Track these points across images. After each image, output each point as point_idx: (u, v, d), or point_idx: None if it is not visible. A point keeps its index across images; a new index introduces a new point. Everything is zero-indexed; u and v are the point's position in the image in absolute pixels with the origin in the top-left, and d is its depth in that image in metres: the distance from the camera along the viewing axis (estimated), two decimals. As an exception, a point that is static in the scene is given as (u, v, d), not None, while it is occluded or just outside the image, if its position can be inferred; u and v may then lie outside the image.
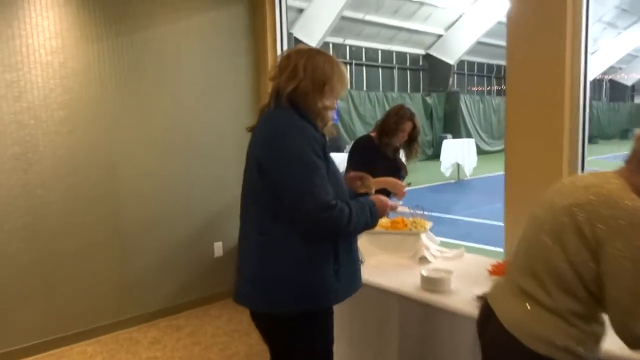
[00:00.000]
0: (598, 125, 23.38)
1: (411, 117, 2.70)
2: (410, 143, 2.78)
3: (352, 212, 1.32)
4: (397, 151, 2.85)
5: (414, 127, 2.70)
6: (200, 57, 3.11)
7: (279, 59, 1.48)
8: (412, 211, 2.21)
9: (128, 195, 2.82)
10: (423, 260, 2.01)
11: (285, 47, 3.37)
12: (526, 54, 2.04)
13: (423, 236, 2.09)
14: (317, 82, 1.40)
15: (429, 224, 2.14)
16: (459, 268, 1.85)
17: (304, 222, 1.29)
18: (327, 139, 1.44)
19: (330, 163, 1.38)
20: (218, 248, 3.27)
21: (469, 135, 15.29)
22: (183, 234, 3.08)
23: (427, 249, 2.06)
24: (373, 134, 2.82)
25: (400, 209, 1.70)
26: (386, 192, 2.81)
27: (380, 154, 2.76)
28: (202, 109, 3.13)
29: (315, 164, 1.29)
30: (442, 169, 9.99)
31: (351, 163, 2.79)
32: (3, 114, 2.40)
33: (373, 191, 1.63)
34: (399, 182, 2.70)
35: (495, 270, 1.77)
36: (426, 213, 2.21)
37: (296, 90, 1.38)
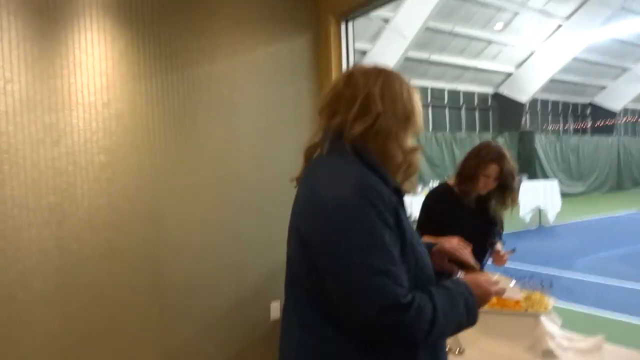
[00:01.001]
0: None
1: (497, 158, 2.14)
2: (502, 191, 2.23)
3: (436, 311, 0.89)
4: (487, 201, 2.31)
5: (501, 171, 2.14)
6: (257, 96, 2.79)
7: (335, 83, 1.08)
8: (525, 287, 1.66)
9: (173, 250, 2.48)
10: (547, 354, 1.44)
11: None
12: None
13: (544, 318, 1.53)
14: (399, 117, 1.02)
15: (550, 301, 1.58)
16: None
17: (361, 328, 0.88)
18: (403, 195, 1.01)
19: (406, 232, 0.95)
20: (275, 309, 2.83)
21: (545, 177, 14.22)
22: (235, 294, 2.67)
23: (552, 337, 1.50)
24: (451, 182, 2.30)
25: (509, 292, 1.20)
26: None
27: (463, 206, 2.23)
28: (259, 155, 2.77)
29: (382, 240, 0.88)
30: (522, 213, 9.07)
31: (424, 221, 2.28)
32: (40, 160, 2.15)
33: (478, 267, 1.15)
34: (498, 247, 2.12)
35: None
36: (544, 286, 1.65)
37: (370, 130, 0.99)
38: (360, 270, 0.85)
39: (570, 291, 4.94)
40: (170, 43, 2.49)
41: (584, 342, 1.52)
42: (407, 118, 1.03)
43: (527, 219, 9.15)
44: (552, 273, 5.81)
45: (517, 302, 1.61)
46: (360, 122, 0.99)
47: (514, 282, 1.27)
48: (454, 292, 0.95)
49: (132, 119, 2.38)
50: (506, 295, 1.11)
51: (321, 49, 2.99)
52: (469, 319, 0.95)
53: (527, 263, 6.02)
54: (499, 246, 2.24)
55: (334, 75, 2.93)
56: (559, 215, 9.57)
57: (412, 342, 0.90)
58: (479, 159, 2.18)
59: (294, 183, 1.11)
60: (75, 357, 2.21)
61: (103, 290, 2.27)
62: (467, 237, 2.26)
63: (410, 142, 1.04)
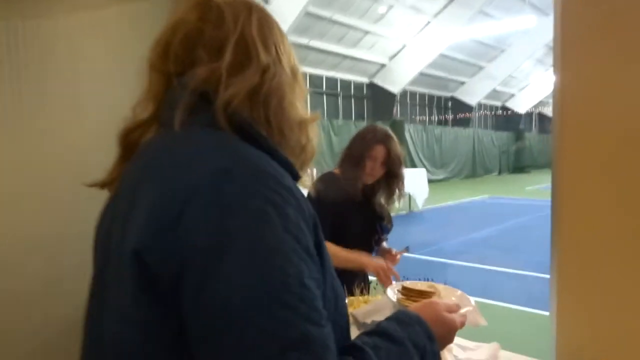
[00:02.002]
0: (530, 155, 24.36)
1: (384, 139, 1.95)
2: (390, 180, 2.06)
3: None
4: (373, 193, 2.13)
5: (388, 153, 1.95)
6: (109, 69, 2.28)
7: (182, 16, 0.70)
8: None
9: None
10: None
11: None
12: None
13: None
14: (288, 73, 0.71)
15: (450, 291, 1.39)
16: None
17: None
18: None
19: (325, 258, 0.62)
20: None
21: (413, 164, 15.17)
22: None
23: (449, 350, 1.34)
24: (337, 172, 2.07)
25: (471, 315, 1.00)
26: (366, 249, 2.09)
27: (350, 199, 2.00)
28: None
29: (298, 275, 0.53)
30: (393, 200, 9.49)
31: (320, 219, 2.03)
32: None
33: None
34: (388, 271, 1.91)
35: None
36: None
37: (257, 91, 0.65)
38: (260, 333, 0.49)
39: (447, 278, 5.16)
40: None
41: (480, 351, 1.41)
42: (294, 75, 0.72)
43: (399, 204, 9.59)
44: (426, 258, 6.07)
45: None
46: (240, 77, 0.64)
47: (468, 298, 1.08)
48: (405, 342, 0.62)
49: None
50: (468, 321, 0.86)
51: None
52: None
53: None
54: (385, 244, 2.09)
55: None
56: (426, 200, 10.20)
57: None
58: (365, 140, 1.99)
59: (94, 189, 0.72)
60: None
61: None
62: (356, 233, 2.07)
63: (303, 109, 0.73)
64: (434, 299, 1.12)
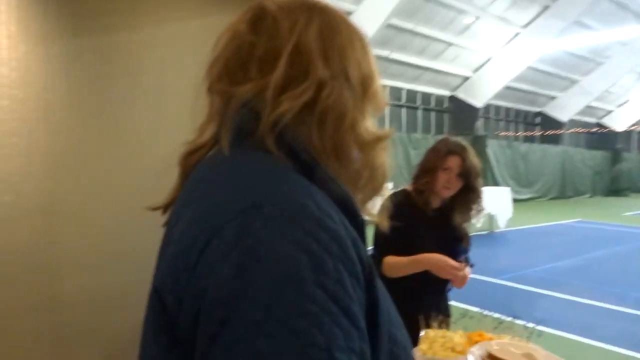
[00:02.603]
0: (629, 177, 22.28)
1: (458, 149, 1.86)
2: (466, 194, 1.93)
3: None
4: (449, 211, 2.00)
5: (464, 163, 1.84)
6: (193, 78, 2.33)
7: (235, 29, 0.63)
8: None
9: (73, 257, 1.99)
10: None
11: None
12: None
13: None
14: (354, 86, 0.60)
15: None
16: None
17: None
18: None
19: (381, 313, 0.51)
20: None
21: (496, 182, 14.46)
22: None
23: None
24: (410, 188, 1.98)
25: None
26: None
27: (424, 218, 1.92)
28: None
29: (329, 342, 0.42)
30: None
31: (390, 236, 1.94)
32: None
33: None
34: (451, 263, 1.80)
35: None
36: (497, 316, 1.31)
37: (311, 109, 0.57)
38: None
39: (535, 309, 4.73)
40: (81, 1, 1.99)
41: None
42: (364, 88, 0.61)
43: (478, 224, 9.15)
44: (509, 284, 5.68)
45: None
46: (292, 94, 0.56)
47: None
48: None
49: (24, 90, 1.87)
50: None
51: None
52: None
53: (481, 274, 5.87)
54: (465, 267, 1.92)
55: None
56: (509, 221, 9.63)
57: None
58: (438, 152, 1.90)
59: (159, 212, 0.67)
60: None
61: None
62: (431, 251, 1.95)
63: (372, 127, 0.62)
64: None
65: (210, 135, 0.64)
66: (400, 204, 1.87)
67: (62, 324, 1.96)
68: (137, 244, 2.12)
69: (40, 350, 1.91)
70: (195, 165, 0.64)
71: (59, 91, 1.95)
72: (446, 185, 1.87)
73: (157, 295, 0.51)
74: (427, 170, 1.90)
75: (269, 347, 0.41)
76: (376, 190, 0.63)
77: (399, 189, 2.04)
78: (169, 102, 2.26)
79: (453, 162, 1.85)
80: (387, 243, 1.83)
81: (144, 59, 2.17)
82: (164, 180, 2.02)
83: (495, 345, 1.05)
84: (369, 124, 0.62)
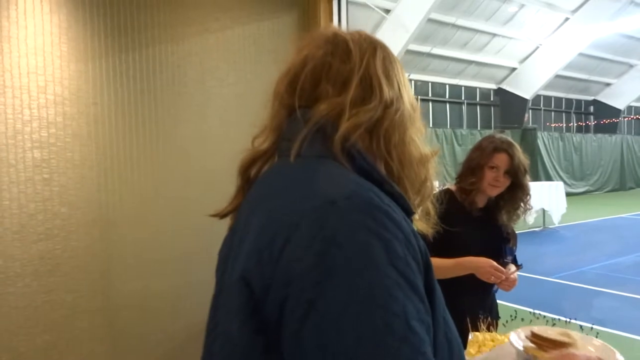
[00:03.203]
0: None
1: (505, 146, 1.81)
2: (513, 192, 1.86)
3: None
4: (496, 210, 1.93)
5: (512, 160, 1.78)
6: (233, 85, 2.38)
7: (310, 49, 0.72)
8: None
9: (126, 265, 2.08)
10: None
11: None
12: None
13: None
14: (408, 108, 0.71)
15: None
16: None
17: None
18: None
19: (438, 303, 0.59)
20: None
21: (548, 176, 13.91)
22: (199, 318, 2.27)
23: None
24: (453, 188, 1.93)
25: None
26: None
27: (469, 218, 1.86)
28: (234, 154, 2.37)
29: (406, 319, 0.50)
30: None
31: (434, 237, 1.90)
32: (-44, 156, 1.74)
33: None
34: (497, 267, 1.74)
35: None
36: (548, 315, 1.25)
37: (379, 125, 0.67)
38: None
39: (592, 308, 4.49)
40: (126, 16, 2.07)
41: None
42: (414, 110, 0.73)
43: (531, 220, 8.81)
44: (563, 282, 5.44)
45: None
46: (365, 109, 0.66)
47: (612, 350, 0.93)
48: None
49: (75, 107, 1.97)
50: None
51: (309, 31, 2.57)
52: None
53: (533, 273, 5.64)
54: (513, 270, 1.84)
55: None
56: (563, 216, 9.22)
57: None
58: (484, 150, 1.85)
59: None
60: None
61: (37, 315, 1.88)
62: (476, 255, 1.89)
63: (423, 145, 0.72)
64: (571, 350, 0.94)
65: (270, 144, 0.72)
66: (445, 204, 1.83)
67: (117, 325, 2.05)
68: (185, 250, 2.18)
69: (96, 350, 2.00)
70: (257, 173, 0.73)
71: (108, 106, 2.03)
72: (493, 184, 1.81)
73: (243, 282, 0.57)
74: (473, 169, 1.84)
75: (355, 320, 0.48)
76: (427, 196, 0.73)
77: (443, 188, 2.00)
78: (211, 111, 2.32)
79: (500, 159, 1.80)
80: (431, 244, 1.79)
81: (187, 70, 2.23)
82: (209, 189, 2.07)
83: (535, 328, 1.14)
84: (421, 142, 0.72)
